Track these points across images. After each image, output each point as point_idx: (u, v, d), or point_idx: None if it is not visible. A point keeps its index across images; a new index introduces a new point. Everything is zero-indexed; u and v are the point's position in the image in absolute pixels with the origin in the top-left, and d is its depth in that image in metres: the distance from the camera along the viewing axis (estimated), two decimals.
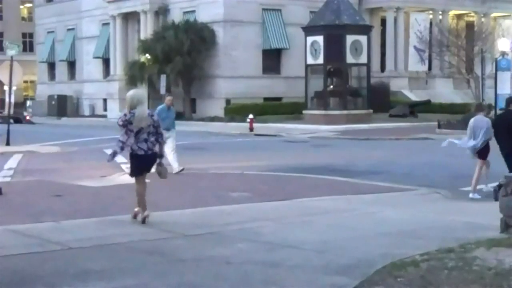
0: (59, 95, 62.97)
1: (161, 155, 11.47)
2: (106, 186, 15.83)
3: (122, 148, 11.21)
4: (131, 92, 11.42)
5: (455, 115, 38.72)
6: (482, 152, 15.08)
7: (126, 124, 11.00)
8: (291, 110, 46.61)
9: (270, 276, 7.88)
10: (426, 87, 54.19)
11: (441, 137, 33.29)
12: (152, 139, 11.18)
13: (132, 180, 11.70)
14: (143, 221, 11.10)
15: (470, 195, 14.71)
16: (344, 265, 8.29)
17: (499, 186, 10.49)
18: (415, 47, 53.17)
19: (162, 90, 47.92)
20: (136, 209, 11.33)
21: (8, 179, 17.99)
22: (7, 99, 30.29)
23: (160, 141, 11.34)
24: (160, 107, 18.91)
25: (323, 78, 44.48)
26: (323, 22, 44.26)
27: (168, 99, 19.21)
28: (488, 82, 37.12)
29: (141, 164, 11.23)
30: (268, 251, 9.18)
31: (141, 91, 11.69)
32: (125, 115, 11.11)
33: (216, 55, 50.20)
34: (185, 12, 52.66)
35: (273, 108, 47.59)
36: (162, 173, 11.65)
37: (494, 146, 14.82)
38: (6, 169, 20.24)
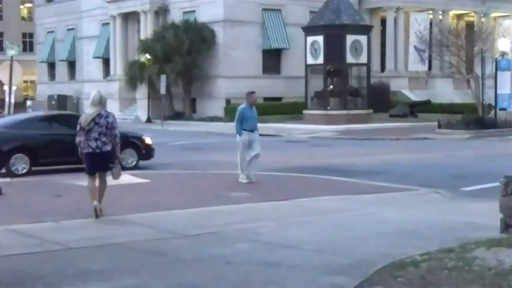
0: (59, 95, 62.91)
1: (116, 156, 11.97)
2: None
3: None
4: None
5: (455, 115, 38.68)
6: None
7: (80, 122, 11.78)
8: (291, 110, 46.60)
9: (270, 276, 7.88)
10: (426, 87, 54.17)
11: (441, 137, 33.39)
12: (104, 139, 11.68)
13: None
14: (96, 215, 11.61)
15: None
16: (344, 265, 8.29)
17: None
18: (415, 47, 53.14)
19: (162, 90, 47.93)
20: (95, 203, 11.71)
21: (8, 179, 17.99)
22: (7, 99, 30.21)
23: (116, 142, 11.80)
24: (242, 106, 17.06)
25: (323, 78, 44.47)
26: (323, 22, 44.26)
27: (253, 97, 17.19)
28: (488, 82, 37.09)
29: (89, 161, 11.79)
30: (268, 251, 9.18)
31: (97, 94, 11.92)
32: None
33: (216, 55, 50.19)
34: (185, 12, 52.65)
35: (273, 108, 47.57)
36: (114, 174, 12.15)
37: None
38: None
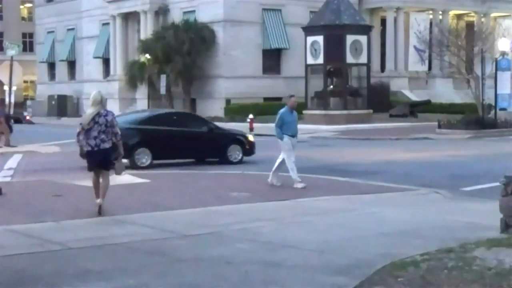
0: (59, 95, 62.97)
1: (119, 153, 12.27)
2: None
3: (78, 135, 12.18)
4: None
5: (455, 115, 38.71)
6: None
7: (81, 122, 12.19)
8: None
9: (270, 276, 7.88)
10: (426, 87, 54.21)
11: (441, 137, 33.39)
12: (103, 136, 11.93)
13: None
14: (99, 212, 11.86)
15: None
16: (344, 265, 8.29)
17: None
18: (415, 47, 53.17)
19: (162, 90, 47.96)
20: (98, 201, 12.04)
21: (8, 179, 17.98)
22: (7, 99, 30.33)
23: (117, 139, 12.06)
24: (283, 110, 16.14)
25: (323, 78, 44.47)
26: (323, 22, 44.25)
27: (292, 100, 16.21)
28: (488, 82, 37.11)
29: (89, 159, 12.12)
30: (268, 251, 9.18)
31: (97, 94, 12.15)
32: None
33: (216, 55, 50.21)
34: (185, 12, 52.68)
35: (273, 108, 47.32)
36: (117, 169, 12.49)
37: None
38: (6, 169, 20.24)
